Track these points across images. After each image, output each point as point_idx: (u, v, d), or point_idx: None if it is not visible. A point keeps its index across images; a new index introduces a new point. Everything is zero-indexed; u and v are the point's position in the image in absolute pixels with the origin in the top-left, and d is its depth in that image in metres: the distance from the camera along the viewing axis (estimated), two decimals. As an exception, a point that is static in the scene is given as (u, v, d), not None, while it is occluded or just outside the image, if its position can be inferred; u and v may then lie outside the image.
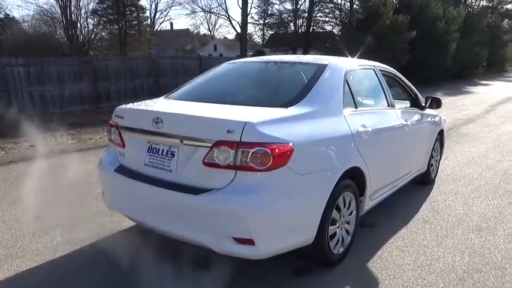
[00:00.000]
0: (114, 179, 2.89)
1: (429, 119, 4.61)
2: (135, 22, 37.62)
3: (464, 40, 25.67)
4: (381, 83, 3.73)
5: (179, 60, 15.17)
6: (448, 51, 22.94)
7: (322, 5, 27.53)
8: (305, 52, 25.62)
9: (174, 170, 2.58)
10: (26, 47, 29.38)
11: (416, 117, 4.26)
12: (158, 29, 45.40)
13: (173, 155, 2.59)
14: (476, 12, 33.52)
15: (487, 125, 9.99)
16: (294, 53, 25.53)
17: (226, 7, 30.56)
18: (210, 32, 56.23)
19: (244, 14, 22.40)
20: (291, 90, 2.91)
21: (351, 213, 3.04)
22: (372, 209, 3.47)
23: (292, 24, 31.44)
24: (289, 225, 2.45)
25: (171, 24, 50.73)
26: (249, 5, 23.03)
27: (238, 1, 24.61)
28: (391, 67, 4.24)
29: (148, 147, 2.74)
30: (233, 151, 2.31)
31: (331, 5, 27.16)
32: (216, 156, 2.36)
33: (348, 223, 3.03)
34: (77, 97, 12.03)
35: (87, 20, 37.38)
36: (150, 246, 3.07)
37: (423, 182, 4.90)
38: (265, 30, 40.24)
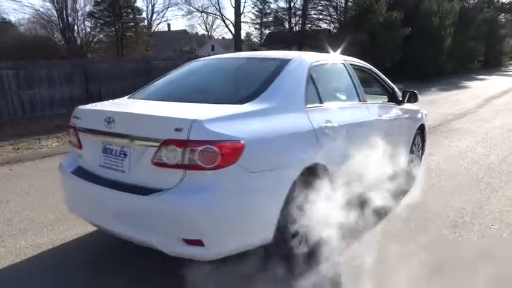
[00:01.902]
0: (71, 181, 2.83)
1: (407, 113, 4.53)
2: (132, 24, 37.58)
3: (459, 35, 25.54)
4: (351, 78, 3.65)
5: (171, 61, 15.11)
6: (443, 47, 22.82)
7: (316, 3, 27.45)
8: (299, 50, 25.54)
9: (126, 171, 2.51)
10: (22, 51, 29.44)
11: (392, 111, 4.19)
12: (155, 30, 45.38)
13: (125, 155, 2.52)
14: (472, 6, 33.33)
15: (478, 120, 9.91)
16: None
17: (219, 7, 30.41)
18: (208, 33, 56.16)
19: (238, 13, 22.39)
20: (250, 86, 2.83)
21: (316, 211, 2.96)
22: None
23: (287, 22, 31.38)
24: (243, 224, 2.38)
25: (169, 25, 50.67)
26: (242, 4, 23.02)
27: (231, 1, 24.59)
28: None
29: (103, 148, 2.67)
30: (181, 150, 2.24)
31: (326, 2, 27.08)
32: (164, 155, 2.30)
33: (314, 221, 2.95)
34: (68, 100, 11.97)
35: (84, 22, 37.43)
36: (112, 249, 3.01)
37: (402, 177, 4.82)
38: (262, 30, 40.19)
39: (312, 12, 28.06)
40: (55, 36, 37.12)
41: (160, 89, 3.28)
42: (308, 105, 2.93)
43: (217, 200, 2.24)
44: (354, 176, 3.43)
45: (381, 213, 3.91)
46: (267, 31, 39.03)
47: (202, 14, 36.71)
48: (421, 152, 5.20)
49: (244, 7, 24.03)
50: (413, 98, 4.54)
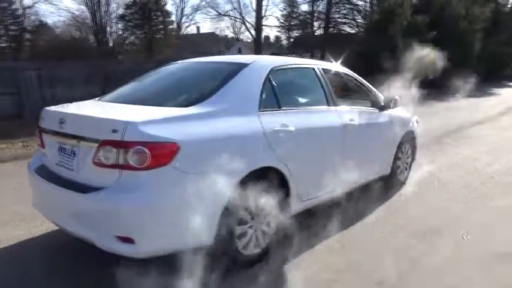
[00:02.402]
0: (32, 178, 2.98)
1: (391, 119, 4.44)
2: (161, 27, 38.47)
3: (492, 40, 24.57)
4: (320, 83, 3.62)
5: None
6: (472, 52, 22.01)
7: (340, 7, 27.14)
8: (323, 54, 25.34)
9: (75, 169, 2.62)
10: (57, 51, 30.88)
11: (370, 117, 4.12)
12: (184, 33, 46.16)
13: (75, 155, 2.64)
14: (508, 10, 31.96)
15: (496, 128, 9.56)
16: (312, 55, 25.24)
17: (241, 11, 30.36)
18: (236, 35, 56.56)
19: (259, 17, 22.44)
20: (201, 90, 2.88)
21: (269, 214, 2.97)
22: (317, 209, 3.36)
23: (311, 26, 31.17)
24: (176, 225, 2.43)
25: (198, 28, 51.32)
26: (264, 8, 23.01)
27: (252, 4, 24.63)
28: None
29: (59, 147, 2.80)
30: (116, 150, 2.33)
31: (350, 6, 26.73)
32: (102, 155, 2.39)
33: (268, 224, 2.97)
34: (87, 99, 12.39)
35: (116, 25, 38.74)
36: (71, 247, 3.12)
37: (388, 184, 4.73)
38: (289, 33, 40.16)
39: (336, 15, 27.79)
40: (89, 38, 38.70)
41: (125, 92, 3.38)
42: (262, 109, 2.95)
43: (147, 200, 2.31)
44: (315, 182, 3.41)
45: (355, 218, 3.87)
46: (295, 34, 39.03)
47: (224, 16, 36.95)
48: (411, 160, 5.08)
49: (265, 10, 24.08)
50: (393, 104, 4.46)
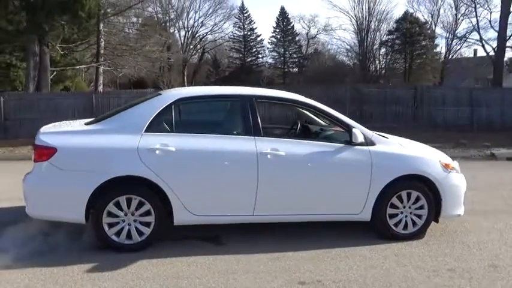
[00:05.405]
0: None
1: (366, 157, 3.95)
2: (422, 51, 37.23)
3: None
4: (243, 113, 3.86)
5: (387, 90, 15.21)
6: None
7: None
8: None
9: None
10: (325, 75, 35.51)
11: (320, 151, 3.92)
12: (455, 57, 42.56)
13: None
14: None
15: None
16: None
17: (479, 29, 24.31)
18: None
19: (503, 37, 18.55)
20: (113, 112, 3.93)
21: (146, 215, 3.68)
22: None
23: None
24: (53, 202, 3.60)
25: (475, 51, 46.27)
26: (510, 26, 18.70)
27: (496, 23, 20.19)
28: None
29: None
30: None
31: None
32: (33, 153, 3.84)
33: (142, 223, 3.69)
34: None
35: (379, 50, 40.36)
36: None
37: (382, 235, 4.12)
38: None
39: None
40: (354, 62, 42.10)
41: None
42: (149, 131, 3.69)
43: (32, 181, 3.64)
44: (212, 201, 3.78)
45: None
46: None
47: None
48: (427, 212, 4.10)
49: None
50: (377, 140, 4.02)
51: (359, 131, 3.95)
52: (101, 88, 19.24)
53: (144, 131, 3.70)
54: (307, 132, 4.53)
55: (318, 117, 4.40)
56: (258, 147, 3.78)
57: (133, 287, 3.14)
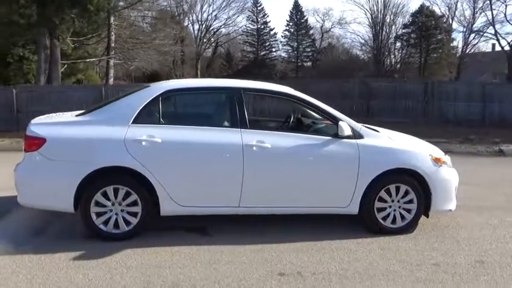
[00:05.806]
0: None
1: (353, 150, 3.93)
2: (438, 45, 36.50)
3: None
4: (232, 105, 3.88)
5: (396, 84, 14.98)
6: None
7: None
8: None
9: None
10: (337, 69, 35.35)
11: (306, 143, 3.92)
12: (473, 51, 41.57)
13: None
14: None
15: None
16: None
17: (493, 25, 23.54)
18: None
19: None
20: (102, 104, 3.98)
21: (133, 205, 3.74)
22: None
23: None
24: (42, 191, 3.68)
25: (493, 45, 45.18)
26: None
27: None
28: None
29: None
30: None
31: None
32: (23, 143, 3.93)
33: (129, 213, 3.75)
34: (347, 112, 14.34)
35: (395, 44, 39.79)
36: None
37: (370, 228, 4.11)
38: None
39: None
40: (369, 56, 41.64)
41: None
42: (136, 123, 3.73)
43: (23, 170, 3.72)
44: (198, 192, 3.82)
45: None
46: None
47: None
48: (417, 207, 4.06)
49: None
50: (364, 133, 3.98)
51: (346, 124, 3.92)
52: (111, 81, 19.47)
53: (131, 122, 3.75)
54: (299, 125, 4.53)
55: (307, 110, 4.39)
56: (244, 139, 3.80)
57: (115, 275, 3.20)
